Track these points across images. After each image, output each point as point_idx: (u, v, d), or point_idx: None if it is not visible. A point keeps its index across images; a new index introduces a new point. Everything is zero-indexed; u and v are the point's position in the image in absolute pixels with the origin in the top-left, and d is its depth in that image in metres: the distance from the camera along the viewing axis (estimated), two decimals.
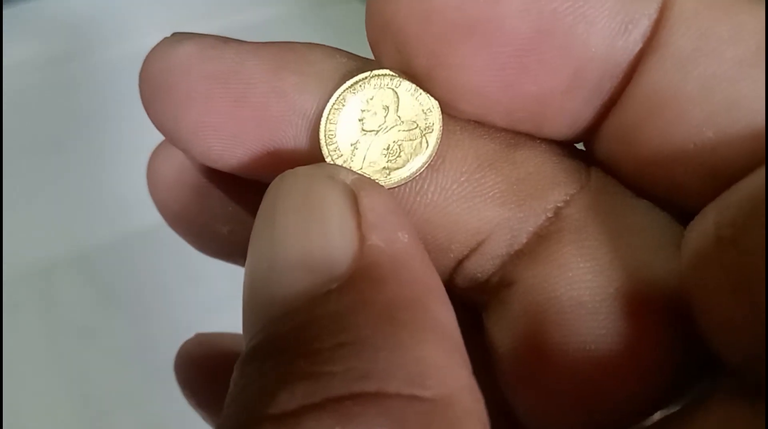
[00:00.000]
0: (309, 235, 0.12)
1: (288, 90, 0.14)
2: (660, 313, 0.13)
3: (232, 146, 0.15)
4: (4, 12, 0.52)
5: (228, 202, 0.17)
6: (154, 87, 0.15)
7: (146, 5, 0.55)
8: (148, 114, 0.15)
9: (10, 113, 0.48)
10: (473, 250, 0.15)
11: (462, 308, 0.16)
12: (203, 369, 0.20)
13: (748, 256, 0.11)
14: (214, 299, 0.40)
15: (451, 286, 0.16)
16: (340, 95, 0.14)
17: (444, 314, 0.12)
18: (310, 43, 0.15)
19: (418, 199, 0.14)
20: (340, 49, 0.15)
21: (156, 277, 0.41)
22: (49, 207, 0.45)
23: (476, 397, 0.11)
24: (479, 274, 0.15)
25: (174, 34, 0.15)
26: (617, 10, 0.13)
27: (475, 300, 0.16)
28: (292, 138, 0.15)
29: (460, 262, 0.15)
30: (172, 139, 0.15)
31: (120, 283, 0.42)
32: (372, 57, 0.15)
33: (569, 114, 0.14)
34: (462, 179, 0.14)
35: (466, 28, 0.13)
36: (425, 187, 0.14)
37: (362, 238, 0.12)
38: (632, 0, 0.13)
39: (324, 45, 0.15)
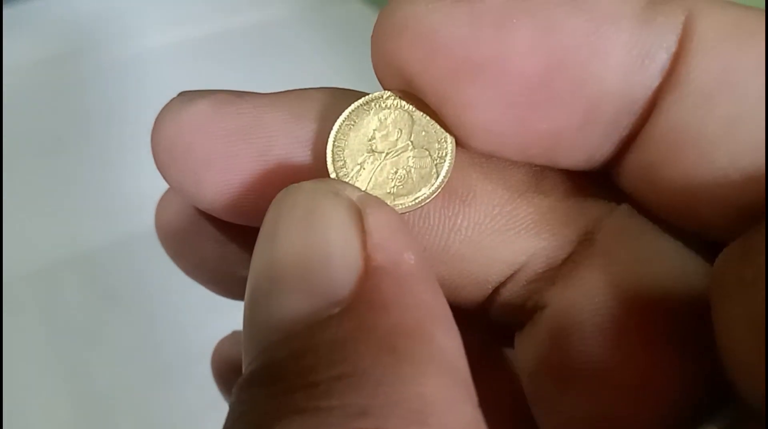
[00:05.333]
0: (310, 256, 0.11)
1: (311, 139, 0.14)
2: (682, 345, 0.13)
3: (259, 202, 0.14)
4: (4, 12, 0.52)
5: (246, 246, 0.17)
6: (169, 149, 0.14)
7: (147, 5, 0.55)
8: (164, 178, 0.15)
9: (10, 113, 0.48)
10: (509, 279, 0.15)
11: (492, 327, 0.16)
12: (238, 366, 0.20)
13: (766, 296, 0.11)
14: (215, 299, 0.40)
15: (484, 311, 0.16)
16: (353, 111, 0.14)
17: (449, 342, 0.11)
18: (325, 88, 0.15)
19: (453, 235, 0.14)
20: (356, 91, 0.15)
21: (156, 278, 0.41)
22: (50, 208, 0.45)
23: None
24: (514, 300, 0.15)
25: (182, 94, 0.15)
26: (633, 43, 0.12)
27: (508, 321, 0.16)
28: None
29: (495, 291, 0.15)
30: (194, 201, 0.15)
31: (120, 283, 0.42)
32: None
33: (585, 149, 0.13)
34: (495, 212, 0.14)
35: (473, 66, 0.12)
36: (458, 223, 0.14)
37: (367, 259, 0.11)
38: (649, 32, 0.12)
39: (339, 88, 0.15)
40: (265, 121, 0.14)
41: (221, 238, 0.17)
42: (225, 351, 0.21)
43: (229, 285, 0.18)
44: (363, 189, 0.14)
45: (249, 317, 0.12)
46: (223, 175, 0.14)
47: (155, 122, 0.15)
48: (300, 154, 0.14)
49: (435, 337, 0.11)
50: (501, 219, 0.14)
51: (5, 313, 0.40)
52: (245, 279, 0.17)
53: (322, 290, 0.11)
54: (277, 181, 0.14)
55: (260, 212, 0.14)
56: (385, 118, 0.14)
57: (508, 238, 0.14)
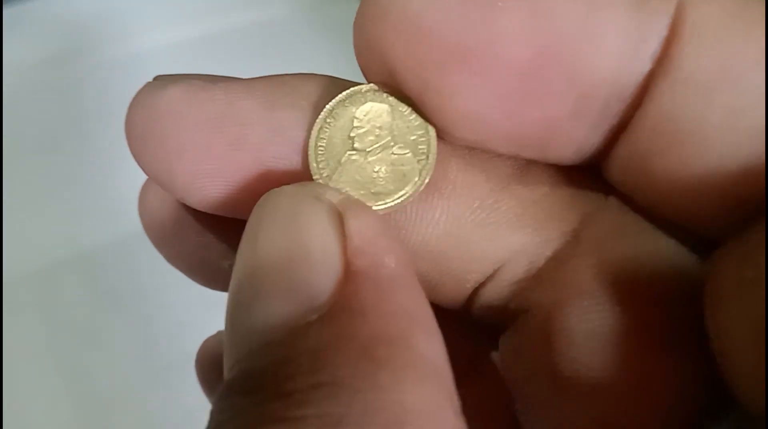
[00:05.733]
0: (291, 261, 0.11)
1: (284, 126, 0.13)
2: (679, 348, 0.13)
3: (232, 191, 0.14)
4: (4, 12, 0.52)
5: (227, 237, 0.17)
6: (142, 136, 0.14)
7: (146, 5, 0.55)
8: (138, 163, 0.14)
9: (10, 113, 0.48)
10: (490, 278, 0.14)
11: (477, 330, 0.16)
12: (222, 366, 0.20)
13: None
14: (215, 299, 0.40)
15: (467, 311, 0.15)
16: (332, 109, 0.13)
17: (430, 348, 0.11)
18: (302, 75, 0.14)
19: (431, 229, 0.14)
20: (335, 77, 0.14)
21: (156, 277, 0.41)
22: (50, 207, 0.45)
23: None
24: (496, 301, 0.14)
25: (157, 78, 0.14)
26: (627, 29, 0.11)
27: (491, 324, 0.15)
28: (292, 176, 0.14)
29: (476, 290, 0.14)
30: (167, 188, 0.14)
31: (120, 283, 0.42)
32: (355, 75, 0.14)
33: (575, 140, 0.13)
34: (475, 206, 0.13)
35: (460, 52, 0.12)
36: (437, 217, 0.14)
37: (347, 264, 0.11)
38: (641, 16, 0.11)
39: (317, 75, 0.14)
40: (238, 109, 0.13)
41: (201, 228, 0.17)
42: (209, 351, 0.20)
43: (211, 275, 0.18)
44: (346, 190, 0.13)
45: (230, 323, 0.12)
46: (195, 165, 0.14)
47: (128, 108, 0.14)
48: (275, 143, 0.14)
49: (415, 344, 0.10)
50: (481, 212, 0.14)
51: (5, 313, 0.40)
52: (226, 270, 0.17)
53: (302, 296, 0.11)
54: (251, 171, 0.14)
55: (234, 202, 0.14)
56: (365, 115, 0.14)
57: (489, 233, 0.14)
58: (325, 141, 0.13)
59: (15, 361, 0.38)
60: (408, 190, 0.13)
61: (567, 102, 0.12)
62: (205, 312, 0.40)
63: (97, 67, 0.51)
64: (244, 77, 0.14)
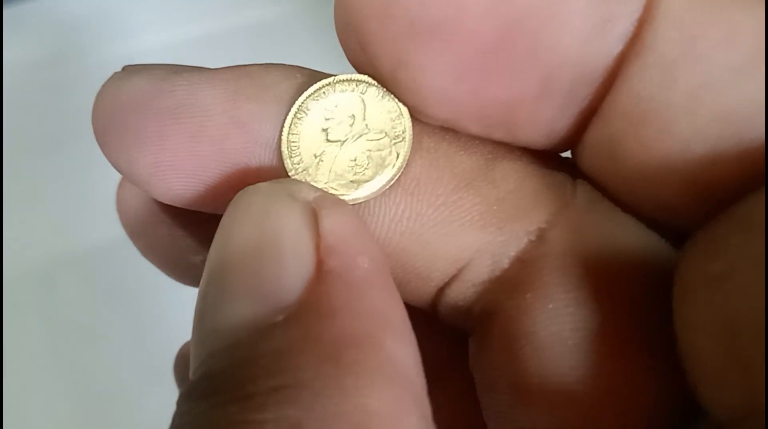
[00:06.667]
0: (261, 260, 0.11)
1: (246, 119, 0.13)
2: (646, 354, 0.12)
3: (193, 184, 0.14)
4: (4, 12, 0.52)
5: (197, 232, 0.16)
6: (105, 126, 0.14)
7: (146, 5, 0.55)
8: (104, 154, 0.14)
9: (10, 113, 0.48)
10: (454, 278, 0.14)
11: (451, 331, 0.15)
12: None
13: (738, 296, 0.10)
14: None
15: (434, 313, 0.15)
16: (302, 103, 0.13)
17: (400, 352, 0.10)
18: (266, 65, 0.14)
19: (393, 226, 0.13)
20: (300, 67, 0.14)
21: (156, 277, 0.41)
22: (50, 207, 0.45)
23: None
24: (461, 302, 0.14)
25: (125, 68, 0.14)
26: (593, 7, 0.11)
27: (459, 326, 0.15)
28: (255, 171, 0.13)
29: (441, 290, 0.14)
30: (131, 180, 0.14)
31: (120, 283, 0.42)
32: (338, 70, 0.14)
33: (543, 122, 0.12)
34: (438, 203, 0.13)
35: (429, 26, 0.12)
36: (399, 213, 0.13)
37: (319, 263, 0.11)
38: None
39: (282, 64, 0.14)
40: (199, 100, 0.13)
41: (171, 222, 0.16)
42: (187, 354, 0.20)
43: (182, 270, 0.17)
44: (324, 181, 0.13)
45: (196, 323, 0.11)
46: (155, 156, 0.13)
47: (95, 98, 0.14)
48: (236, 135, 0.13)
49: (384, 346, 0.10)
50: (445, 210, 0.13)
51: (5, 313, 0.40)
52: (197, 265, 0.17)
53: (269, 296, 0.10)
54: (213, 164, 0.13)
55: (198, 196, 0.14)
56: (336, 105, 0.13)
57: (452, 232, 0.13)
58: (297, 136, 0.13)
59: (15, 361, 0.38)
60: (388, 172, 0.13)
61: (531, 80, 0.12)
62: None
63: (97, 67, 0.51)
64: None
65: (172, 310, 0.41)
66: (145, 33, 0.54)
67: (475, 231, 0.13)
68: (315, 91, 0.13)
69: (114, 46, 0.53)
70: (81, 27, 0.53)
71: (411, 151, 0.13)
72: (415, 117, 0.13)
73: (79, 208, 0.45)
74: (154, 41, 0.53)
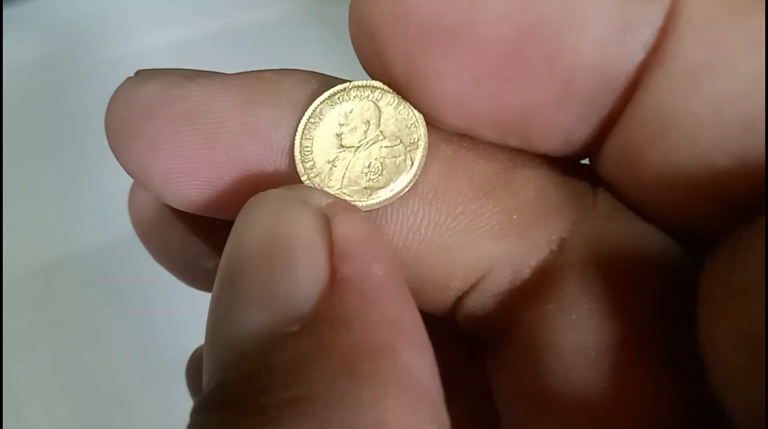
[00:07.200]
0: (274, 268, 0.11)
1: (261, 125, 0.13)
2: (669, 365, 0.12)
3: (207, 191, 0.13)
4: (4, 12, 0.52)
5: (210, 237, 0.16)
6: (119, 133, 0.14)
7: (146, 5, 0.55)
8: (118, 160, 0.14)
9: (10, 113, 0.48)
10: (473, 287, 0.14)
11: (468, 339, 0.15)
12: None
13: (761, 309, 0.09)
14: None
15: (452, 321, 0.15)
16: (316, 108, 0.13)
17: (416, 362, 0.10)
18: (281, 70, 0.14)
19: (411, 235, 0.13)
20: (315, 72, 0.14)
21: (156, 277, 0.41)
22: (50, 207, 0.45)
23: None
24: (480, 312, 0.14)
25: (138, 73, 0.14)
26: (613, 14, 0.11)
27: (478, 335, 0.15)
28: (270, 177, 0.13)
29: (460, 299, 0.14)
30: (145, 186, 0.14)
31: (120, 283, 0.42)
32: (355, 76, 0.14)
33: (561, 129, 0.12)
34: (457, 212, 0.13)
35: (444, 32, 0.11)
36: (417, 222, 0.13)
37: (333, 271, 0.11)
38: (632, 5, 0.11)
39: (297, 70, 0.14)
40: (213, 106, 0.13)
41: (185, 227, 0.16)
42: (199, 360, 0.20)
43: (195, 275, 0.17)
44: (337, 187, 0.13)
45: (209, 332, 0.11)
46: (169, 163, 0.13)
47: (108, 104, 0.14)
48: (250, 141, 0.13)
49: (400, 356, 0.10)
50: (464, 219, 0.13)
51: (5, 313, 0.40)
52: (210, 270, 0.16)
53: (283, 305, 0.10)
54: (227, 171, 0.13)
55: (212, 202, 0.14)
56: (351, 111, 0.13)
57: (471, 241, 0.13)
58: (311, 141, 0.13)
59: (15, 361, 0.38)
60: (403, 179, 0.13)
61: (549, 88, 0.12)
62: (205, 312, 0.40)
63: (97, 67, 0.51)
64: None
65: (172, 310, 0.41)
66: (145, 33, 0.54)
67: (495, 240, 0.13)
68: (329, 97, 0.13)
69: (114, 46, 0.53)
70: (81, 27, 0.53)
71: (428, 159, 0.13)
72: (431, 124, 0.13)
73: (79, 208, 0.45)
74: (154, 41, 0.53)
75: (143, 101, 0.13)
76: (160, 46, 0.53)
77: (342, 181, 0.13)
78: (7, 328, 0.39)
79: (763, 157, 0.10)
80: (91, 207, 0.45)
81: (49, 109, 0.50)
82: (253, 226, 0.11)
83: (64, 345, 0.40)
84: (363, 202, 0.13)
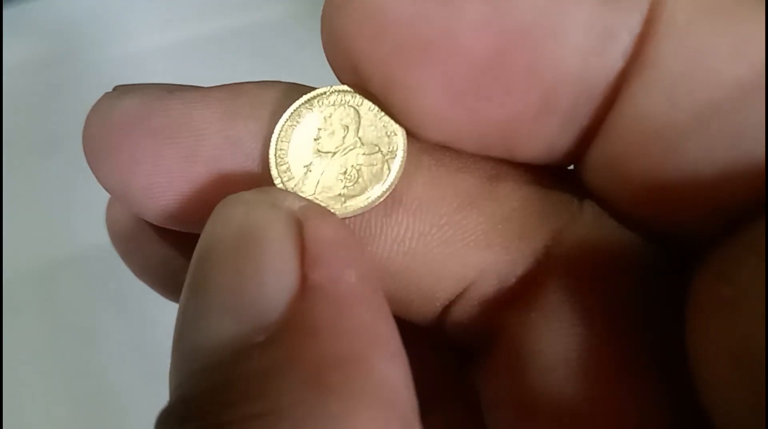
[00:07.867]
0: (242, 275, 0.10)
1: (242, 138, 0.13)
2: (654, 375, 0.12)
3: (188, 206, 0.13)
4: (4, 12, 0.52)
5: (190, 252, 0.16)
6: (97, 148, 0.13)
7: (145, 6, 0.55)
8: (96, 176, 0.14)
9: (10, 113, 0.48)
10: (459, 296, 0.13)
11: (456, 347, 0.15)
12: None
13: (749, 322, 0.09)
14: None
15: (438, 331, 0.14)
16: (295, 110, 0.13)
17: (389, 371, 0.10)
18: (262, 82, 0.14)
19: (396, 246, 0.13)
20: (298, 84, 0.14)
21: None
22: (49, 207, 0.45)
23: None
24: (466, 321, 0.14)
25: (116, 88, 0.14)
26: (592, 23, 0.11)
27: (464, 344, 0.15)
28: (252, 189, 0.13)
29: (446, 308, 0.14)
30: (123, 203, 0.14)
31: (120, 283, 0.42)
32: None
33: (543, 140, 0.12)
34: (442, 222, 0.13)
35: (420, 46, 0.11)
36: (402, 233, 0.13)
37: (303, 277, 0.10)
38: (611, 12, 0.11)
39: (279, 82, 0.14)
40: (193, 120, 0.13)
41: (162, 241, 0.16)
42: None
43: (174, 289, 0.17)
44: (311, 193, 0.13)
45: (174, 339, 0.11)
46: (149, 178, 0.13)
47: (85, 120, 0.14)
48: (231, 155, 0.13)
49: (372, 366, 0.10)
50: (448, 229, 0.13)
51: (5, 313, 0.40)
52: None
53: (250, 314, 0.10)
54: (207, 185, 0.13)
55: (191, 218, 0.13)
56: (330, 116, 0.13)
57: (456, 251, 0.13)
58: (287, 144, 0.13)
59: (15, 361, 0.38)
60: (378, 189, 0.13)
61: (530, 99, 0.11)
62: None
63: (96, 67, 0.51)
64: (242, 80, 0.14)
65: (172, 310, 0.41)
66: (145, 33, 0.54)
67: (480, 250, 0.13)
68: (308, 100, 0.13)
69: (113, 46, 0.53)
70: (81, 27, 0.53)
71: (411, 170, 0.13)
72: (411, 136, 0.13)
73: (79, 209, 0.45)
74: (154, 41, 0.53)
75: (122, 116, 0.13)
76: (159, 46, 0.53)
77: (316, 187, 0.13)
78: (7, 328, 0.39)
79: (750, 166, 0.10)
80: (91, 207, 0.45)
81: (49, 109, 0.50)
82: (221, 229, 0.11)
83: (63, 345, 0.40)
84: (337, 210, 0.13)
